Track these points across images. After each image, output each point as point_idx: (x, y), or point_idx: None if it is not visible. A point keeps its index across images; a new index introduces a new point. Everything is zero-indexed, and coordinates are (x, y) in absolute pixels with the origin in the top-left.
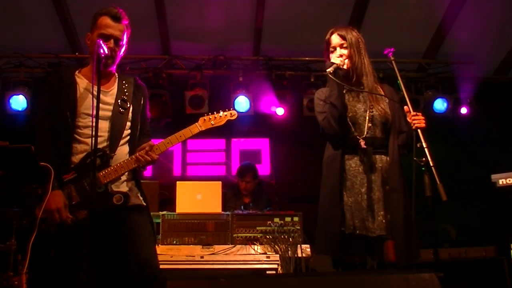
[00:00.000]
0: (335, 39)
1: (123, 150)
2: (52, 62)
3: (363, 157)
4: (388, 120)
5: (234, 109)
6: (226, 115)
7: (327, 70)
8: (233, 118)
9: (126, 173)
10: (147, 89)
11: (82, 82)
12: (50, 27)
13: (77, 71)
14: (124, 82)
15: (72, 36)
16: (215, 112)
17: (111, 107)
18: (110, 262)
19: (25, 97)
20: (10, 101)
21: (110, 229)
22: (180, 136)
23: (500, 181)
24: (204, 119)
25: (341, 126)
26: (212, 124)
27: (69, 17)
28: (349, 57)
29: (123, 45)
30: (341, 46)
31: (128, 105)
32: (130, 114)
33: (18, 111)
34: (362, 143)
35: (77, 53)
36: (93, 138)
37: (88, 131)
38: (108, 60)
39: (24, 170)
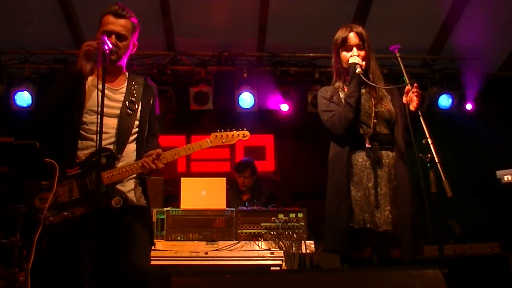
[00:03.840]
0: (353, 38)
1: (130, 148)
2: (57, 59)
3: (369, 152)
4: (392, 117)
5: (246, 129)
6: (238, 134)
7: (357, 71)
8: (245, 139)
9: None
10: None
11: (89, 79)
12: (55, 23)
13: None
14: (133, 83)
15: (77, 32)
16: (228, 130)
17: (119, 105)
18: (104, 262)
19: (30, 93)
20: (15, 97)
21: (106, 230)
22: (189, 149)
23: (505, 177)
24: (216, 136)
25: (351, 127)
26: (223, 142)
27: (74, 13)
28: (366, 58)
29: (129, 40)
30: (358, 47)
31: (136, 107)
32: (138, 114)
33: (23, 107)
34: (367, 142)
35: None
36: (98, 135)
37: (94, 128)
38: (111, 55)
39: (29, 166)
